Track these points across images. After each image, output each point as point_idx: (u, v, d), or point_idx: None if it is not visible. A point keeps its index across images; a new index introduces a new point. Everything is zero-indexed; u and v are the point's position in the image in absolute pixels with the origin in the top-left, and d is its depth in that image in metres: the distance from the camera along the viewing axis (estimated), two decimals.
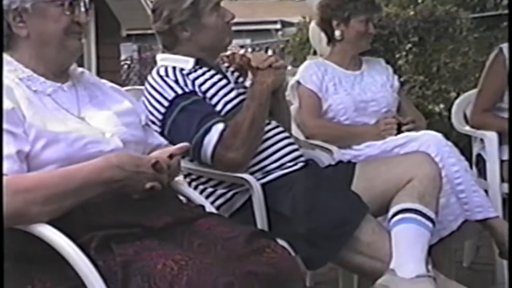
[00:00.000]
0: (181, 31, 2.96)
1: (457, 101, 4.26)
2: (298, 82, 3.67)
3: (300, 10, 9.37)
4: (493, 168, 3.78)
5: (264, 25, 21.09)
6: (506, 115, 3.86)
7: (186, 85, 2.88)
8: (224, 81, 2.99)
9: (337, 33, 3.71)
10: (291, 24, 12.71)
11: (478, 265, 4.11)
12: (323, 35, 3.85)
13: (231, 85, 3.00)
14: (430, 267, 2.68)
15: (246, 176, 2.79)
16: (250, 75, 3.04)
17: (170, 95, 2.85)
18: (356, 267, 2.78)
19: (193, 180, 2.99)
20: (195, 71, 2.95)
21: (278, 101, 3.06)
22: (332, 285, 3.62)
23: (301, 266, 2.70)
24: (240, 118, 2.82)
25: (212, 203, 2.85)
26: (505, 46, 3.94)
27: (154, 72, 2.98)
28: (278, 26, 19.99)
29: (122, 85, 2.92)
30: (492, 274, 3.67)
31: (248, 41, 16.63)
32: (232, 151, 2.78)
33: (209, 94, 2.91)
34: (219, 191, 2.90)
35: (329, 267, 3.36)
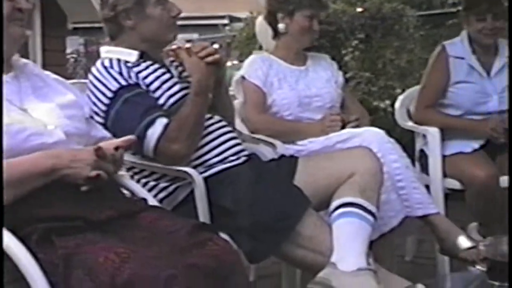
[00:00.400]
0: (125, 19, 2.95)
1: (400, 97, 4.31)
2: (243, 77, 3.66)
3: (248, 5, 9.33)
4: (435, 164, 3.84)
5: (212, 20, 21.03)
6: (448, 111, 3.92)
7: (130, 77, 2.87)
8: (167, 75, 2.99)
9: (281, 26, 3.72)
10: (238, 19, 12.69)
11: (420, 259, 4.18)
12: (269, 30, 3.85)
13: (175, 79, 3.00)
14: (371, 260, 2.71)
15: (188, 169, 2.78)
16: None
17: (114, 86, 2.84)
18: (298, 260, 2.80)
19: (136, 173, 2.98)
20: (139, 64, 2.95)
21: (221, 95, 3.06)
22: (275, 278, 3.65)
23: (243, 259, 2.73)
24: (185, 112, 2.82)
25: (155, 196, 2.86)
26: (448, 43, 4.01)
27: (98, 63, 2.97)
28: (226, 21, 19.93)
29: (68, 79, 2.89)
30: (434, 267, 3.71)
31: (195, 35, 16.57)
32: (176, 143, 2.78)
33: (152, 88, 2.91)
34: (162, 185, 2.90)
35: (272, 261, 3.38)
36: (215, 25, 17.29)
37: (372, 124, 3.75)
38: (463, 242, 3.17)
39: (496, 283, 2.36)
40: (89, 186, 2.17)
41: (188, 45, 3.04)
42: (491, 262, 2.41)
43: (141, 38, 2.97)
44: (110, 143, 2.34)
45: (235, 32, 9.90)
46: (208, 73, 2.89)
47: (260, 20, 3.97)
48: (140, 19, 2.95)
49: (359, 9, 8.26)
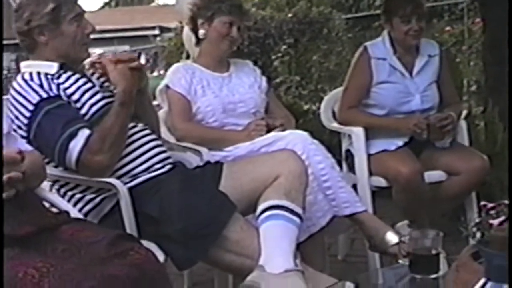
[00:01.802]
0: (38, 35, 2.95)
1: (325, 99, 4.36)
2: (167, 86, 3.66)
3: (178, 15, 9.37)
4: (361, 163, 3.88)
5: (143, 31, 20.96)
6: (372, 111, 3.98)
7: (51, 89, 2.87)
8: (89, 85, 2.99)
9: (201, 32, 3.73)
10: (169, 30, 12.72)
11: (352, 257, 4.22)
12: (193, 37, 3.87)
13: (96, 88, 3.01)
14: (298, 261, 2.75)
15: (112, 180, 2.79)
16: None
17: (35, 98, 2.84)
18: (226, 265, 2.83)
19: (61, 186, 2.97)
20: (60, 76, 2.95)
21: (144, 104, 3.07)
22: (209, 285, 3.65)
23: (173, 267, 2.75)
24: (109, 122, 2.83)
25: (82, 208, 2.88)
26: (369, 44, 4.06)
27: (18, 77, 2.98)
28: (157, 31, 19.92)
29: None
30: (365, 265, 3.75)
31: (127, 47, 16.53)
32: (98, 155, 2.79)
33: (74, 98, 2.91)
34: (88, 197, 2.89)
35: (205, 268, 3.41)
36: (146, 36, 17.28)
37: (302, 127, 3.80)
38: (391, 237, 3.21)
39: (419, 276, 2.42)
40: (6, 194, 2.17)
41: (109, 56, 3.05)
42: (413, 256, 2.46)
43: (55, 54, 2.98)
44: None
45: (165, 42, 9.94)
46: (133, 82, 2.90)
47: (186, 29, 3.98)
48: (53, 36, 2.95)
49: (288, 15, 8.37)
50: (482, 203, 2.28)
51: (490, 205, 2.32)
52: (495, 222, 2.18)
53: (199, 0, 3.76)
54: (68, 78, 2.96)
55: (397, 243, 3.13)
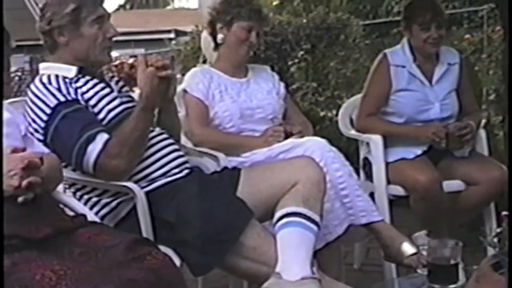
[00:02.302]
0: (58, 35, 2.95)
1: (343, 106, 4.34)
2: (185, 90, 3.65)
3: (194, 19, 9.38)
4: (379, 171, 3.85)
5: (158, 35, 20.99)
6: (391, 119, 3.95)
7: (68, 93, 2.86)
8: (107, 90, 2.99)
9: (219, 36, 3.72)
10: (184, 33, 12.72)
11: (368, 266, 4.20)
12: (212, 42, 3.86)
13: (115, 94, 3.00)
14: (315, 269, 2.73)
15: (129, 184, 2.78)
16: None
17: (53, 102, 2.83)
18: (242, 272, 2.82)
19: (78, 190, 2.96)
20: (78, 80, 2.94)
21: (169, 110, 3.08)
22: None
23: (188, 272, 2.74)
24: (129, 127, 2.82)
25: (98, 212, 2.87)
26: (389, 51, 4.04)
27: (36, 80, 2.97)
28: (172, 35, 19.91)
29: (14, 97, 2.89)
30: (381, 274, 3.73)
31: (142, 50, 16.52)
32: (116, 159, 2.77)
33: (91, 103, 2.90)
34: (104, 201, 2.89)
35: (220, 274, 3.39)
36: (161, 40, 17.28)
37: (319, 133, 3.78)
38: (407, 248, 3.18)
39: (437, 286, 2.40)
40: (24, 197, 2.16)
41: (131, 60, 3.04)
42: (431, 266, 2.44)
43: (74, 56, 2.97)
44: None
45: (181, 46, 9.94)
46: (158, 88, 2.88)
47: (205, 33, 3.97)
48: (73, 37, 2.95)
49: (304, 20, 8.35)
50: (504, 213, 2.26)
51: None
52: None
53: (219, 5, 3.75)
54: (86, 83, 2.95)
55: (414, 254, 3.11)
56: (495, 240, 2.25)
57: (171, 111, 3.13)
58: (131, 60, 3.12)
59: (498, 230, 2.31)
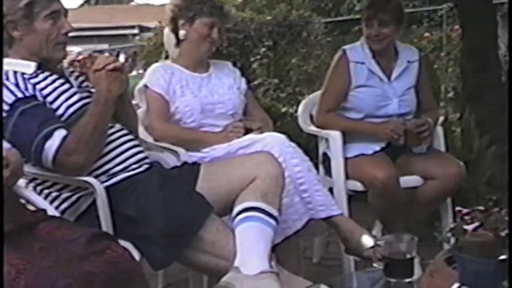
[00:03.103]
0: (12, 30, 2.92)
1: (303, 102, 4.37)
2: (146, 86, 3.66)
3: (158, 15, 9.38)
4: (338, 166, 3.89)
5: (122, 30, 20.91)
6: (350, 114, 4.00)
7: (26, 89, 2.85)
8: (66, 85, 2.98)
9: (181, 32, 3.73)
10: (148, 29, 12.73)
11: (327, 260, 4.24)
12: (174, 38, 3.87)
13: (74, 89, 3.00)
14: (273, 263, 2.76)
15: (89, 179, 2.79)
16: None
17: (10, 98, 2.82)
18: (201, 266, 2.84)
19: (38, 184, 2.95)
20: (37, 75, 2.94)
21: (123, 105, 3.07)
22: (183, 285, 3.66)
23: (148, 267, 2.76)
24: (83, 123, 2.82)
25: (58, 206, 2.87)
26: (348, 48, 4.08)
27: None
28: (136, 31, 19.91)
29: None
30: (340, 268, 3.76)
31: (106, 46, 16.48)
32: (74, 155, 2.77)
33: (50, 99, 2.90)
34: (64, 195, 2.89)
35: (180, 268, 3.42)
36: (125, 35, 17.25)
37: (279, 129, 3.81)
38: (367, 241, 3.23)
39: (393, 280, 2.44)
40: None
41: (94, 55, 3.04)
42: (387, 260, 2.48)
43: (29, 51, 2.95)
44: None
45: (144, 42, 9.95)
46: (109, 82, 2.88)
47: (167, 29, 3.98)
48: (26, 32, 2.93)
49: (267, 17, 8.40)
50: (457, 208, 2.31)
51: (465, 210, 2.35)
52: (470, 227, 2.21)
53: (181, 1, 3.76)
54: (45, 79, 2.94)
55: (373, 247, 3.15)
56: (449, 235, 2.29)
57: (125, 104, 3.13)
58: (80, 57, 3.10)
59: (452, 225, 2.35)
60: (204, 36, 3.68)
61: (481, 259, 1.77)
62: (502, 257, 1.77)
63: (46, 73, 2.96)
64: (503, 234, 2.16)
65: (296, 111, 4.56)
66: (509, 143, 3.78)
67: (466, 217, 2.32)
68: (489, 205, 2.41)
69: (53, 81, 2.95)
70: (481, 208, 2.37)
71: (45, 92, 2.90)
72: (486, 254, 1.78)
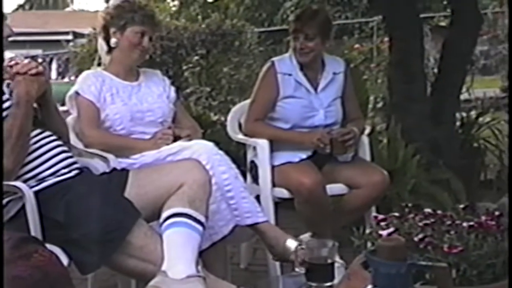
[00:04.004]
0: None
1: (232, 111, 4.44)
2: (77, 93, 3.68)
3: (92, 21, 9.35)
4: (265, 174, 3.97)
5: (56, 36, 20.73)
6: (277, 124, 4.08)
7: None
8: None
9: (112, 40, 3.76)
10: (82, 35, 12.66)
11: (254, 266, 4.30)
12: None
13: (6, 96, 3.02)
14: (200, 267, 2.82)
15: (18, 183, 2.82)
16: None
17: None
18: (129, 270, 2.88)
19: None
20: None
21: (48, 111, 3.10)
22: None
23: (76, 271, 2.79)
24: (7, 126, 2.85)
25: None
26: (277, 59, 4.16)
27: None
28: (70, 37, 19.77)
29: None
30: (267, 273, 3.83)
31: (39, 51, 16.33)
32: (2, 159, 2.79)
33: None
34: None
35: (110, 273, 3.45)
36: (59, 41, 17.10)
37: (210, 137, 3.87)
38: (291, 244, 3.30)
39: (314, 284, 2.52)
40: None
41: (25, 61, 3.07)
42: (308, 265, 2.56)
43: None
44: None
45: (78, 48, 9.91)
46: (26, 85, 2.93)
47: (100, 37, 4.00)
48: None
49: (202, 25, 8.45)
50: (374, 214, 2.41)
51: (381, 217, 2.46)
52: (384, 232, 2.32)
53: (112, 9, 3.79)
54: None
55: (295, 251, 3.23)
56: (364, 240, 2.40)
57: (50, 110, 3.16)
58: (12, 62, 3.12)
59: (368, 231, 2.45)
60: (135, 44, 3.72)
61: (392, 262, 1.86)
62: (412, 261, 1.87)
63: None
64: (416, 239, 2.28)
65: (226, 119, 4.62)
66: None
67: (382, 223, 2.43)
68: (405, 211, 2.50)
69: None
70: (397, 214, 2.48)
71: None
72: (397, 257, 1.87)
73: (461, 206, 2.54)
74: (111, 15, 3.78)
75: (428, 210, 2.48)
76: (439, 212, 2.45)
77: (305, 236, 3.94)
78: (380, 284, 1.92)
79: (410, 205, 2.55)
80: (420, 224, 2.36)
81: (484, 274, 2.13)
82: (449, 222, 2.37)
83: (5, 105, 2.97)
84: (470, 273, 2.13)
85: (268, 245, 3.45)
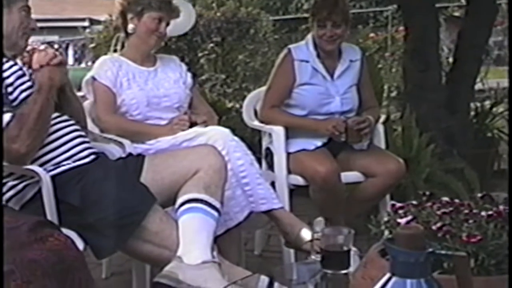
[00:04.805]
0: None
1: (248, 98, 4.45)
2: (93, 78, 3.69)
3: (108, 8, 9.36)
4: (280, 161, 3.97)
5: (72, 22, 20.78)
6: (293, 111, 4.07)
7: None
8: (20, 72, 3.01)
9: (130, 26, 3.77)
10: (98, 22, 12.68)
11: (268, 252, 4.31)
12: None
13: (27, 77, 3.03)
14: (215, 253, 2.82)
15: (35, 168, 2.82)
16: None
17: None
18: (145, 255, 2.89)
19: None
20: None
21: (66, 96, 3.10)
22: (127, 275, 3.70)
23: (92, 255, 2.80)
24: (26, 111, 2.85)
25: (3, 194, 2.87)
26: (293, 47, 4.15)
27: None
28: (86, 23, 19.82)
29: None
30: (281, 260, 3.83)
31: (56, 37, 16.36)
32: (16, 142, 2.79)
33: (7, 81, 2.92)
34: (10, 183, 2.90)
35: (124, 258, 3.46)
36: (75, 28, 17.14)
37: (225, 124, 3.87)
38: (306, 234, 3.29)
39: (330, 271, 2.51)
40: None
41: (42, 47, 3.08)
42: (324, 252, 2.55)
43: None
44: None
45: (94, 34, 9.93)
46: (50, 72, 2.93)
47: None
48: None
49: (217, 13, 8.44)
50: (391, 202, 2.40)
51: (398, 205, 2.44)
52: (403, 221, 2.30)
53: None
54: (6, 62, 2.97)
55: (311, 240, 3.22)
56: (382, 228, 2.38)
57: (69, 96, 3.16)
58: (42, 47, 3.14)
59: (386, 219, 2.44)
60: (152, 30, 3.73)
61: (410, 251, 1.85)
62: (431, 249, 1.86)
63: (5, 58, 2.99)
64: (434, 227, 2.26)
65: (241, 106, 4.62)
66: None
67: (400, 211, 2.42)
68: (423, 200, 2.49)
69: (11, 66, 2.98)
70: (415, 202, 2.46)
71: (4, 74, 2.92)
72: (416, 246, 1.86)
73: (479, 195, 2.52)
74: (129, 1, 3.78)
75: (445, 198, 2.46)
76: (456, 200, 2.43)
77: (319, 221, 3.94)
78: (398, 272, 1.90)
79: (427, 193, 2.53)
80: (438, 212, 2.34)
81: (502, 264, 2.11)
82: (466, 211, 2.35)
83: (27, 84, 2.98)
84: (489, 263, 2.11)
85: (282, 231, 3.44)
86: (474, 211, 2.35)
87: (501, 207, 2.35)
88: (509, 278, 2.01)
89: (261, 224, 3.76)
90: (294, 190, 3.99)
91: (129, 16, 3.77)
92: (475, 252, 2.12)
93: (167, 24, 3.76)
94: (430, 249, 1.86)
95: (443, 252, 1.91)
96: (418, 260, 1.84)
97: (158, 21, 3.73)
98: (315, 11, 4.09)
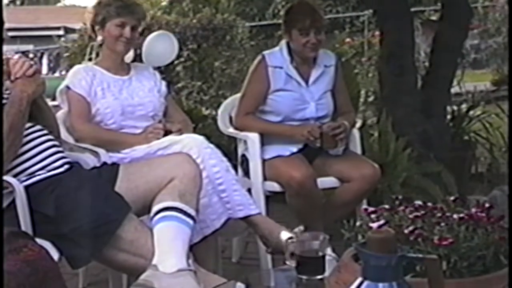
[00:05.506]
0: None
1: (223, 105, 4.45)
2: (68, 87, 3.68)
3: (83, 16, 9.37)
4: (256, 168, 3.97)
5: (47, 31, 20.73)
6: (268, 117, 4.08)
7: None
8: None
9: (98, 38, 3.78)
10: (73, 31, 12.66)
11: (246, 259, 4.32)
12: None
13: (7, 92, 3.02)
14: (191, 261, 2.82)
15: (8, 178, 2.81)
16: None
17: None
18: (120, 264, 2.88)
19: None
20: None
21: (39, 106, 3.09)
22: (103, 285, 3.69)
23: (68, 266, 2.79)
24: None
25: None
26: (267, 53, 4.16)
27: None
28: (61, 32, 19.76)
29: None
30: (259, 267, 3.83)
31: (31, 46, 16.29)
32: None
33: None
34: None
35: (101, 267, 3.45)
36: (50, 36, 17.08)
37: (201, 131, 3.87)
38: (286, 236, 3.28)
39: (305, 277, 2.52)
40: None
41: (16, 56, 3.07)
42: (299, 258, 2.56)
43: None
44: None
45: (69, 43, 9.91)
46: (23, 84, 2.94)
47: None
48: None
49: (194, 20, 8.45)
50: (364, 207, 2.41)
51: (371, 209, 2.45)
52: (375, 225, 2.31)
53: (91, 8, 3.81)
54: None
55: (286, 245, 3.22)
56: (355, 233, 2.39)
57: (42, 107, 3.15)
58: (16, 56, 3.13)
59: (358, 223, 2.45)
60: (117, 36, 3.72)
61: (382, 254, 1.86)
62: (402, 253, 1.87)
63: None
64: (406, 231, 2.27)
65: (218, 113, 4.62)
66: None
67: (373, 215, 2.43)
68: (395, 204, 2.50)
69: None
70: (387, 206, 2.48)
71: None
72: (387, 249, 1.87)
73: (451, 198, 2.53)
74: (92, 13, 3.80)
75: (418, 202, 2.47)
76: (429, 204, 2.45)
77: (299, 229, 3.94)
78: (370, 276, 1.91)
79: (400, 197, 2.55)
80: (411, 216, 2.36)
81: (474, 266, 2.13)
82: (439, 214, 2.37)
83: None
84: (461, 265, 2.13)
85: (262, 237, 3.44)
86: (447, 214, 2.37)
87: (473, 210, 2.37)
88: (509, 278, 2.02)
89: (239, 231, 3.75)
90: (270, 197, 3.99)
91: (96, 28, 3.78)
92: (447, 255, 2.13)
93: (133, 28, 3.75)
94: (402, 253, 1.87)
95: (414, 255, 1.93)
96: (389, 263, 1.84)
97: (121, 27, 3.72)
98: (295, 20, 4.08)
